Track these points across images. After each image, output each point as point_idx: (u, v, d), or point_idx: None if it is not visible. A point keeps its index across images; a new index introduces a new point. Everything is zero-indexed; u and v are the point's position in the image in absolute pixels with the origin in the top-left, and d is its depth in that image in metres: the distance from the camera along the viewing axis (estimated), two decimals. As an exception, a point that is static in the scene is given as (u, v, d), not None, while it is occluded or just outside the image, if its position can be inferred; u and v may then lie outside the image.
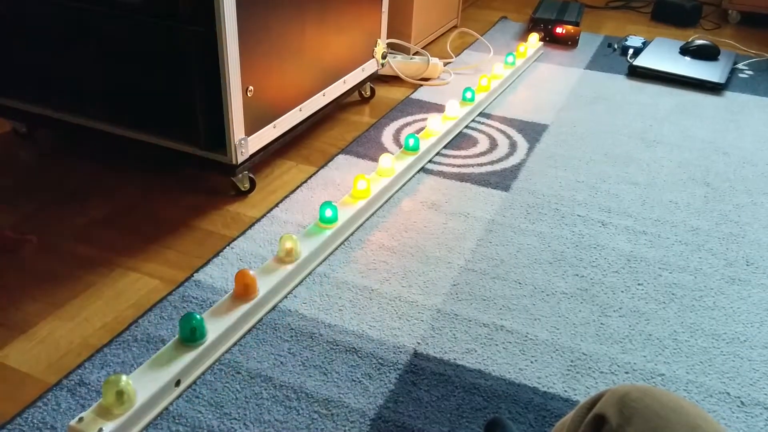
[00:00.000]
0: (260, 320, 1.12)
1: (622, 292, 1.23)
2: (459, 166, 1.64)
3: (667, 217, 1.47)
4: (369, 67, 1.90)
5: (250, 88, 1.38)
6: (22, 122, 1.69)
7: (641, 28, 2.88)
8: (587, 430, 0.54)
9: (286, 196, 1.48)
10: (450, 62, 2.33)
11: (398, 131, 1.81)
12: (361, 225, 1.39)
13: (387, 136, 1.78)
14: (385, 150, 1.70)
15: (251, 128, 1.42)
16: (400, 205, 1.47)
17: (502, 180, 1.59)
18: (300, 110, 1.59)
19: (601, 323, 1.15)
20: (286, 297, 1.17)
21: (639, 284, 1.26)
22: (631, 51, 2.46)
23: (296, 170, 1.61)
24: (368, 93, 2.01)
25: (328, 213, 1.30)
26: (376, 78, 2.00)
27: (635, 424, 0.51)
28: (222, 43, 1.27)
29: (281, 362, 1.04)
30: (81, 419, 0.87)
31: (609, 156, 1.74)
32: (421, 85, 2.13)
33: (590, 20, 2.95)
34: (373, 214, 1.42)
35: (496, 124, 1.88)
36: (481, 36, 2.57)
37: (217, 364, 1.03)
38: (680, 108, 2.05)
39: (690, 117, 1.99)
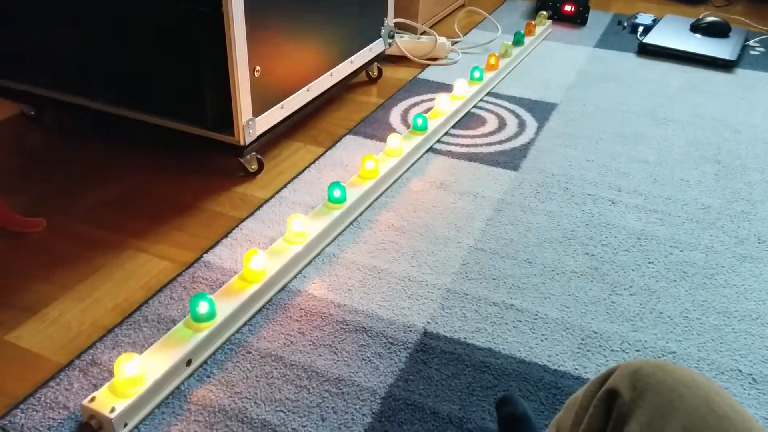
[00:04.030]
0: (270, 300, 1.12)
1: (633, 270, 1.23)
2: (468, 145, 1.64)
3: (677, 195, 1.46)
4: (376, 47, 1.89)
5: (258, 68, 1.37)
6: (30, 105, 1.69)
7: (651, 6, 2.84)
8: (599, 405, 0.54)
9: (294, 177, 1.48)
10: (458, 41, 2.31)
11: (406, 111, 1.80)
12: (370, 205, 1.38)
13: (395, 116, 1.77)
14: (393, 130, 1.69)
15: (259, 109, 1.41)
16: (408, 185, 1.46)
17: (511, 159, 1.58)
18: (308, 90, 1.58)
19: (612, 301, 1.15)
20: (295, 277, 1.18)
21: (650, 262, 1.25)
22: (640, 29, 2.44)
23: (304, 151, 1.60)
24: (375, 73, 1.99)
25: (337, 193, 1.30)
26: (383, 58, 1.98)
27: (648, 399, 0.50)
28: (229, 23, 1.26)
29: (291, 342, 1.04)
30: (93, 398, 0.87)
31: (619, 134, 1.72)
32: (429, 65, 2.11)
33: (599, -2, 2.92)
34: (381, 195, 1.42)
35: (505, 103, 1.87)
36: (489, 15, 2.55)
37: (227, 343, 1.03)
38: (691, 86, 2.03)
39: (701, 94, 1.97)
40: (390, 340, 1.05)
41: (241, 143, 1.39)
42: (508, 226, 1.34)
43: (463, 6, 2.68)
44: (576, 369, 1.01)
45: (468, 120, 1.76)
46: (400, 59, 2.14)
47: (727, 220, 1.38)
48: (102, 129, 1.65)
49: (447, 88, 1.94)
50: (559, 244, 1.29)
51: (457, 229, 1.32)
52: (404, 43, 2.12)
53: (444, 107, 1.70)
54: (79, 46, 1.44)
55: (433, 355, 1.03)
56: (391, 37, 1.95)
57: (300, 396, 0.95)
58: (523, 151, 1.62)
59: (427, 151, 1.60)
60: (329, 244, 1.26)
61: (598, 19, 2.60)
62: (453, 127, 1.72)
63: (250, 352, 1.02)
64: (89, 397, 0.88)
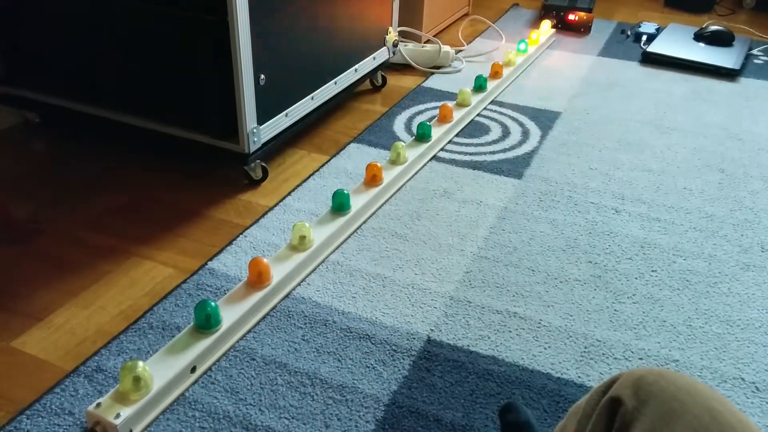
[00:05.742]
0: (274, 308, 1.13)
1: (636, 278, 1.23)
2: (471, 154, 1.64)
3: (681, 204, 1.46)
4: (380, 56, 1.90)
5: (262, 76, 1.38)
6: (34, 113, 1.70)
7: (654, 14, 2.85)
8: (602, 413, 0.54)
9: (298, 185, 1.49)
10: (462, 50, 2.32)
11: (410, 119, 1.81)
12: (374, 213, 1.39)
13: (399, 124, 1.78)
14: (397, 138, 1.70)
15: (263, 117, 1.42)
16: (412, 193, 1.47)
17: (514, 167, 1.58)
18: (312, 99, 1.59)
19: (615, 310, 1.15)
20: (299, 285, 1.18)
21: (653, 271, 1.25)
22: (644, 37, 2.44)
23: (308, 159, 1.61)
24: (380, 81, 2.00)
25: (341, 201, 1.30)
26: (387, 66, 1.99)
27: (651, 407, 0.51)
28: (234, 31, 1.27)
29: (295, 349, 1.05)
30: (99, 405, 0.88)
31: (622, 143, 1.73)
32: (433, 73, 2.12)
33: (603, 6, 2.93)
34: (385, 203, 1.43)
35: (509, 111, 1.87)
36: (493, 23, 2.56)
37: (231, 350, 1.04)
38: (694, 94, 2.04)
39: (704, 103, 1.98)
40: (393, 347, 1.05)
41: (246, 151, 1.40)
42: (512, 234, 1.34)
43: (467, 15, 2.69)
44: (579, 377, 1.01)
45: (472, 128, 1.77)
46: (404, 68, 2.15)
47: (731, 229, 1.38)
48: (107, 137, 1.66)
49: (451, 96, 1.95)
50: (563, 252, 1.29)
51: (461, 237, 1.33)
52: (408, 52, 2.13)
53: (448, 116, 1.70)
54: (84, 54, 1.45)
55: (436, 362, 1.03)
56: (396, 45, 1.96)
57: (304, 403, 0.95)
58: (527, 159, 1.63)
59: (430, 160, 1.60)
60: (333, 251, 1.27)
61: (602, 28, 2.61)
62: (457, 135, 1.73)
63: (254, 359, 1.02)
64: (94, 404, 0.88)
